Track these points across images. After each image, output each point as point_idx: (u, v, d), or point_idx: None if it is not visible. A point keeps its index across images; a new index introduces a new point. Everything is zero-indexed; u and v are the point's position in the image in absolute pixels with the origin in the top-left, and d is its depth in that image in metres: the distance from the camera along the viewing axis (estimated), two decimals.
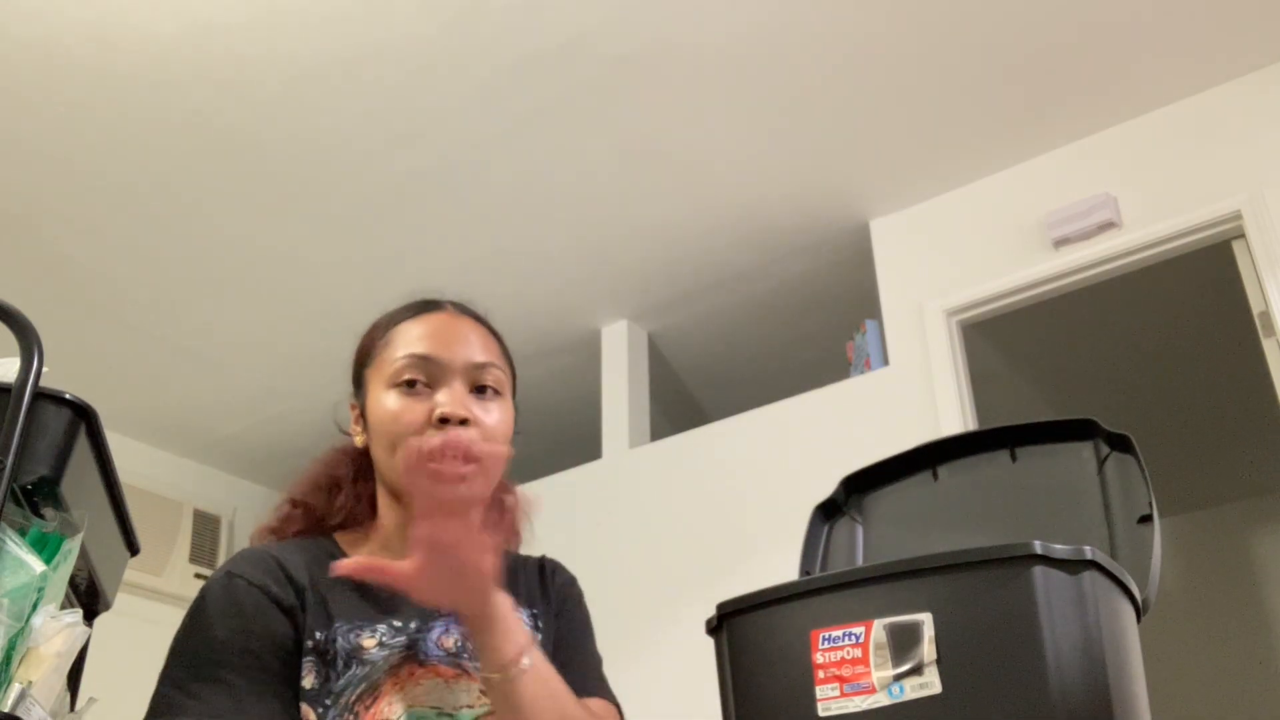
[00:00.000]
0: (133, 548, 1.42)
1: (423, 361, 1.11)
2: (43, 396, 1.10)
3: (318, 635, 1.03)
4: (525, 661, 0.96)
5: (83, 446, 1.15)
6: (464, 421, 1.08)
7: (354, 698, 0.99)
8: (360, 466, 1.19)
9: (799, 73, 2.83)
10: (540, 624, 1.16)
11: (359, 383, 1.19)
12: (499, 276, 3.54)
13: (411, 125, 2.95)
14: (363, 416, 1.17)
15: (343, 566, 0.94)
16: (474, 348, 1.14)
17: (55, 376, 1.13)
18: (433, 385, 1.11)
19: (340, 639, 1.03)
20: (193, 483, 4.37)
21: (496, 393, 1.14)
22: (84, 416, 1.14)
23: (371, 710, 0.99)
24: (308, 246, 3.38)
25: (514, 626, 0.97)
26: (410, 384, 1.11)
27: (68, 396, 1.13)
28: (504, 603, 0.97)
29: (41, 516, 1.10)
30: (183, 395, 4.07)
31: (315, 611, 1.04)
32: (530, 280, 3.58)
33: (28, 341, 1.10)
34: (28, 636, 1.01)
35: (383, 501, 1.17)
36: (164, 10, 2.57)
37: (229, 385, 4.03)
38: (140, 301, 3.57)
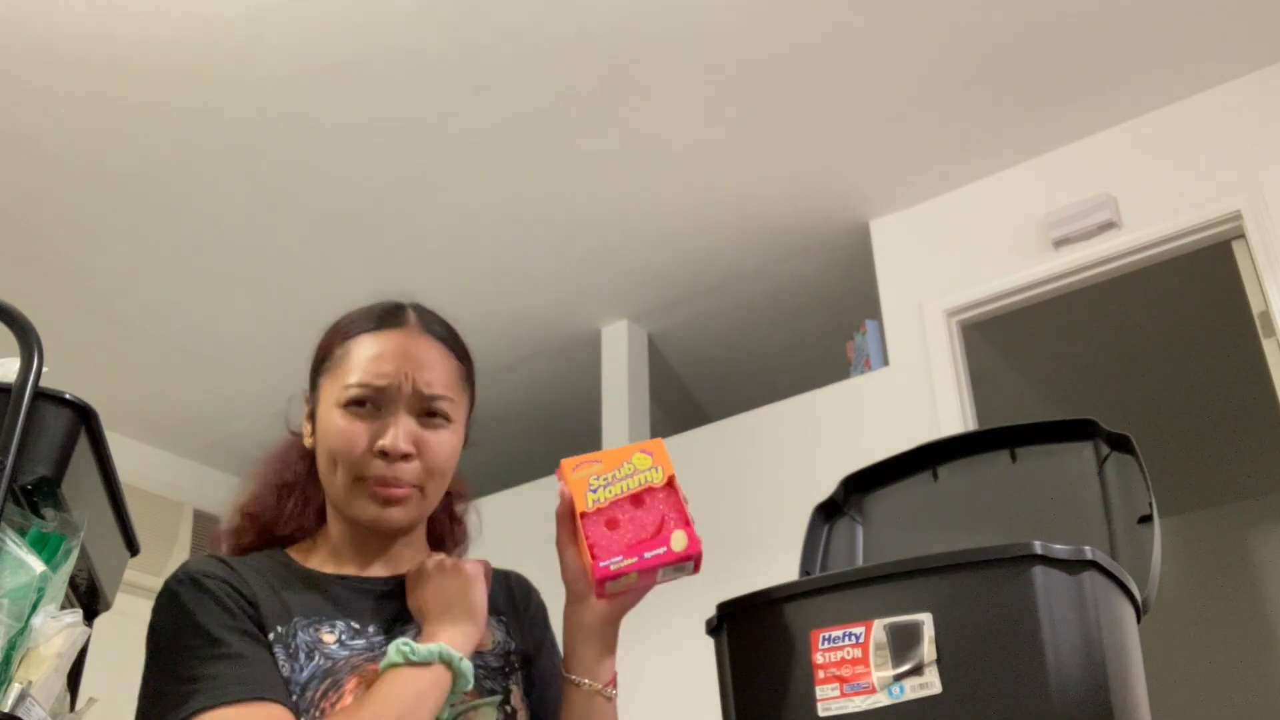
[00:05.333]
0: (133, 548, 1.42)
1: (373, 391, 1.11)
2: (43, 396, 1.10)
3: (279, 628, 1.03)
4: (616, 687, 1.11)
5: (83, 446, 1.15)
6: (405, 455, 1.09)
7: (318, 694, 1.00)
8: (312, 466, 1.19)
9: (799, 73, 2.83)
10: (510, 630, 1.19)
11: (314, 384, 1.19)
12: (499, 276, 3.54)
13: (411, 125, 2.95)
14: (313, 418, 1.17)
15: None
16: (427, 374, 1.13)
17: (55, 376, 1.13)
18: (381, 408, 1.11)
19: (300, 632, 1.04)
20: (193, 483, 4.38)
21: (445, 418, 1.14)
22: (84, 416, 1.14)
23: (337, 707, 1.00)
24: (308, 246, 3.38)
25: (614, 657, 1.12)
26: (359, 405, 1.11)
27: (68, 396, 1.13)
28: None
29: (41, 516, 1.10)
30: (183, 395, 4.08)
31: (273, 607, 1.05)
32: (530, 280, 3.59)
33: (28, 341, 1.10)
34: (28, 636, 1.01)
35: (330, 511, 1.18)
36: (163, 9, 2.57)
37: (229, 385, 4.03)
38: (140, 301, 3.57)
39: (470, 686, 1.02)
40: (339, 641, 1.04)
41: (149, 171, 3.05)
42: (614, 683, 1.10)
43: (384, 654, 1.02)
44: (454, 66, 2.77)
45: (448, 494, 1.22)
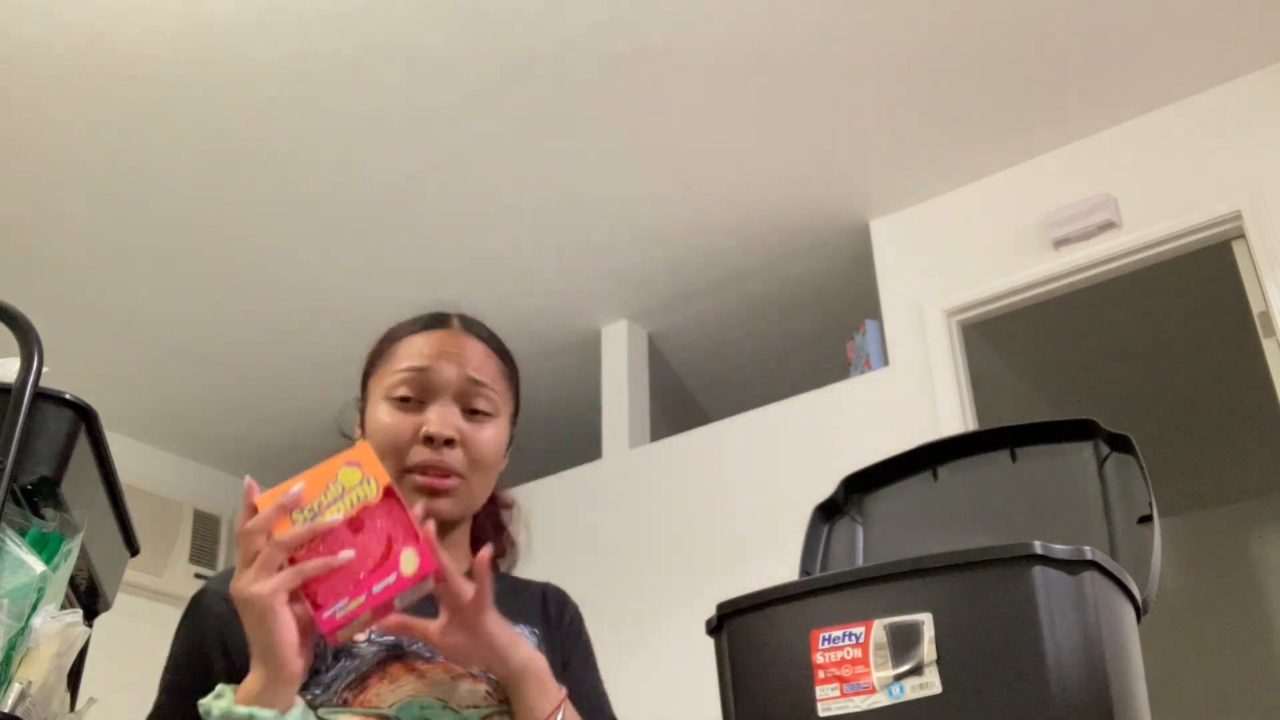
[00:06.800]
0: (133, 548, 1.43)
1: (417, 375, 1.14)
2: (43, 396, 1.10)
3: None
4: (559, 718, 1.01)
5: (83, 446, 1.15)
6: (450, 441, 1.11)
7: (343, 686, 1.01)
8: None
9: (799, 73, 2.83)
10: (541, 646, 1.15)
11: (364, 389, 1.22)
12: (499, 277, 3.54)
13: (411, 125, 2.95)
14: (363, 422, 1.20)
15: (384, 624, 0.98)
16: (471, 366, 1.16)
17: (55, 376, 1.13)
18: (426, 401, 1.13)
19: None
20: (193, 483, 4.37)
21: (489, 414, 1.16)
22: (84, 416, 1.14)
23: (361, 698, 1.01)
24: (308, 246, 3.38)
25: (549, 686, 1.01)
26: (404, 399, 1.13)
27: (68, 396, 1.13)
28: (537, 660, 1.02)
29: (41, 516, 1.10)
30: (183, 395, 4.07)
31: None
32: (530, 280, 3.59)
33: (28, 341, 1.10)
34: (28, 636, 1.01)
35: None
36: (163, 10, 2.57)
37: (229, 385, 4.03)
38: (140, 301, 3.57)
39: None
40: (368, 640, 1.05)
41: (149, 173, 3.05)
42: (553, 716, 1.01)
43: (412, 651, 1.04)
44: (454, 66, 2.77)
45: (493, 499, 1.22)
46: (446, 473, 1.11)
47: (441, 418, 1.11)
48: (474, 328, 1.23)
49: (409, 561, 0.89)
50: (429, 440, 1.10)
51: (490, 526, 1.26)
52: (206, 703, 0.90)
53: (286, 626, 0.88)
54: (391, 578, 0.89)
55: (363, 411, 1.20)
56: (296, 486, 0.90)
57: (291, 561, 0.89)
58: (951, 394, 2.98)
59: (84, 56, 2.68)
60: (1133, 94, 2.94)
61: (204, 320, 3.69)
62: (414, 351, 1.16)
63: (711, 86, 2.87)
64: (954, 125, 3.03)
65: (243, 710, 0.88)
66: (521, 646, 1.01)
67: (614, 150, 3.07)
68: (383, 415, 1.13)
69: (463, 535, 1.20)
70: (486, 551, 0.98)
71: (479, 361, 1.18)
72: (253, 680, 0.90)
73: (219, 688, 0.92)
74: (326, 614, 0.87)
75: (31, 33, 2.61)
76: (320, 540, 0.89)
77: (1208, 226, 2.80)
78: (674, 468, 3.47)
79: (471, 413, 1.15)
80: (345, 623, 0.88)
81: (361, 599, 0.88)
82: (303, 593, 0.88)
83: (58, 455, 1.10)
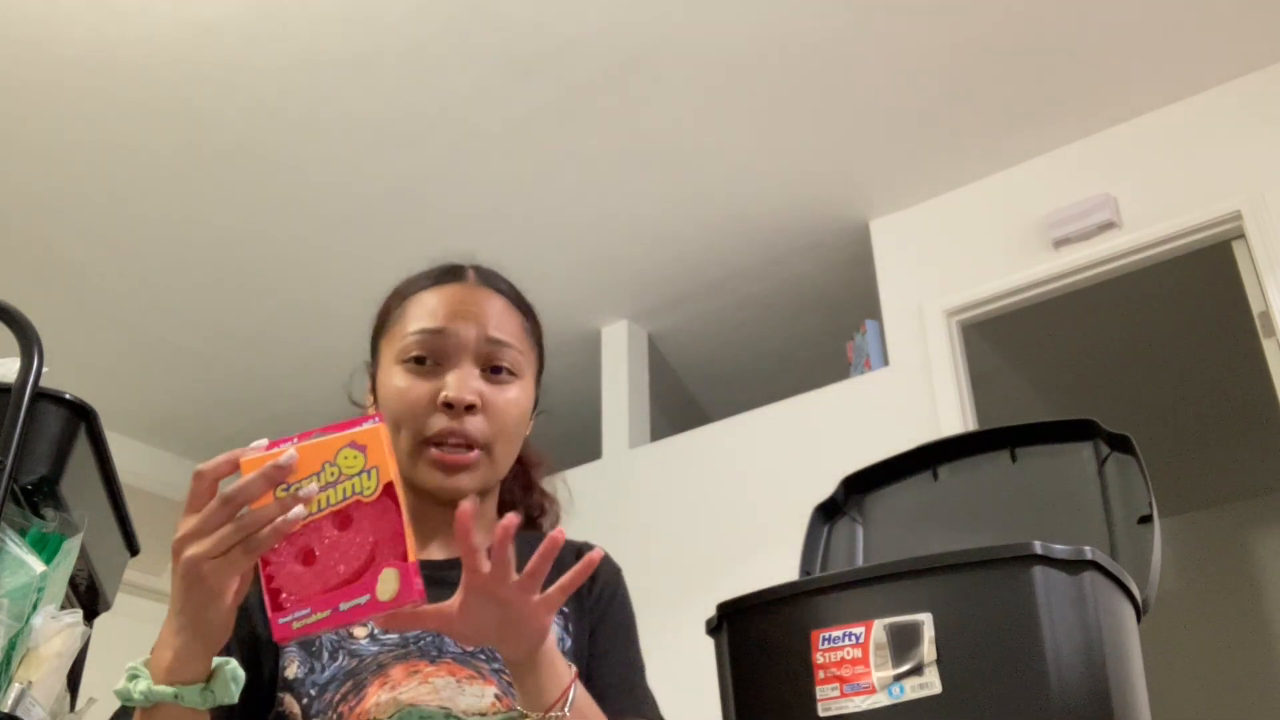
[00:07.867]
0: (133, 548, 1.43)
1: (432, 337, 1.04)
2: (43, 396, 1.10)
3: None
4: (570, 699, 0.89)
5: (83, 446, 1.16)
6: (470, 407, 1.02)
7: (337, 696, 0.94)
8: None
9: (799, 74, 2.83)
10: (570, 626, 1.07)
11: (374, 351, 1.13)
12: None
13: (411, 125, 2.95)
14: (375, 388, 1.11)
15: (392, 623, 0.84)
16: (490, 323, 1.07)
17: (55, 376, 1.13)
18: (443, 363, 1.04)
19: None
20: None
21: (512, 373, 1.08)
22: (84, 416, 1.15)
23: (359, 709, 0.93)
24: (307, 246, 3.38)
25: (559, 666, 0.90)
26: (419, 360, 1.04)
27: (68, 396, 1.13)
28: (549, 642, 0.89)
29: (41, 516, 1.10)
30: (183, 395, 4.07)
31: None
32: (530, 280, 3.55)
33: (28, 341, 1.10)
34: (28, 636, 1.01)
35: None
36: (164, 10, 2.58)
37: (229, 385, 4.03)
38: (140, 301, 3.57)
39: (199, 702, 0.79)
40: (370, 636, 0.98)
41: (149, 173, 3.05)
42: (563, 699, 0.89)
43: (417, 650, 0.97)
44: (454, 66, 2.77)
45: (520, 462, 1.14)
46: (467, 445, 1.02)
47: (460, 382, 1.02)
48: (491, 280, 1.14)
49: (387, 584, 0.77)
50: (448, 406, 1.01)
51: (519, 489, 1.18)
52: (124, 687, 0.79)
53: (221, 602, 0.76)
54: (364, 599, 0.76)
55: (374, 376, 1.11)
56: (289, 455, 0.76)
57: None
58: (951, 394, 2.98)
59: (84, 57, 2.68)
60: (1133, 94, 2.94)
61: (204, 320, 3.69)
62: (427, 311, 1.07)
63: (711, 86, 2.87)
64: (954, 125, 3.03)
65: (168, 690, 0.77)
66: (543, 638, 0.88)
67: (614, 150, 3.07)
68: (396, 380, 1.04)
69: (490, 505, 1.11)
70: (509, 520, 0.82)
71: (498, 318, 1.09)
72: (168, 649, 0.78)
73: (131, 666, 0.80)
74: (284, 619, 0.76)
75: (32, 33, 2.61)
76: (303, 534, 0.77)
77: (1208, 226, 2.80)
78: (674, 468, 3.47)
79: (493, 372, 1.06)
80: (301, 634, 0.77)
81: (325, 614, 0.76)
82: (262, 575, 0.77)
83: (57, 455, 1.10)
